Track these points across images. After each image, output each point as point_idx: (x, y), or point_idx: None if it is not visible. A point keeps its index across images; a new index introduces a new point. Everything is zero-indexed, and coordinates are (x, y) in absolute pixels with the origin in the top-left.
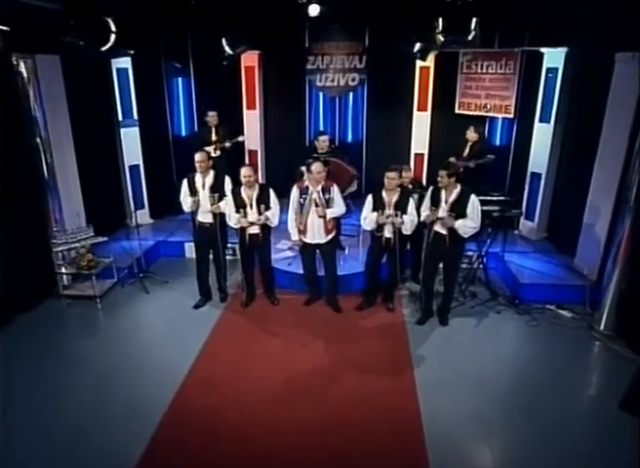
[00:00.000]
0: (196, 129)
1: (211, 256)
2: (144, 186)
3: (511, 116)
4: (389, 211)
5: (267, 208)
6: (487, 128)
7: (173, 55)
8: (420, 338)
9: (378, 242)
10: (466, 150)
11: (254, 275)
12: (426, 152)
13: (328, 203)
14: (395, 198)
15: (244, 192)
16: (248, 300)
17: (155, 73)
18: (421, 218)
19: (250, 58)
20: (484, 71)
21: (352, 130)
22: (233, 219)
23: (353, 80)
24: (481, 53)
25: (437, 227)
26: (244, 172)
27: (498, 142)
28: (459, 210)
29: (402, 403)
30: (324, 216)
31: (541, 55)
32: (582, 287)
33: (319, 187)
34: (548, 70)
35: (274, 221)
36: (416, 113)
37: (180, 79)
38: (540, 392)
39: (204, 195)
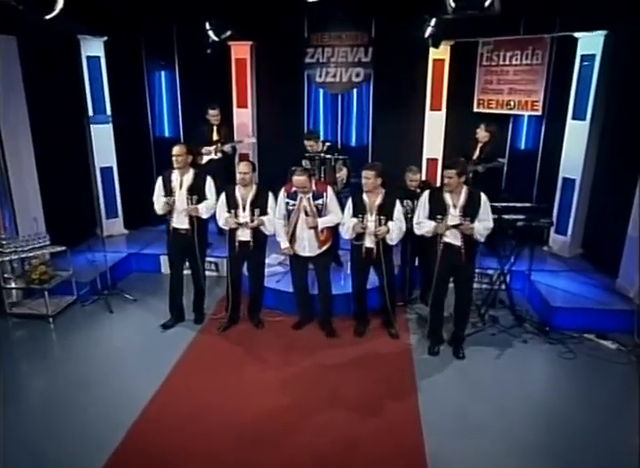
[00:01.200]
0: (181, 129)
1: (188, 272)
2: (118, 192)
3: (539, 113)
4: (371, 217)
5: (263, 213)
6: (510, 128)
7: (155, 45)
8: (428, 372)
9: (357, 252)
10: (476, 152)
11: (240, 293)
12: (440, 157)
13: (321, 211)
14: (378, 201)
15: (238, 192)
16: (229, 323)
17: (133, 64)
18: (423, 231)
19: (241, 50)
20: (507, 63)
21: (357, 132)
22: (222, 219)
23: (358, 75)
24: (504, 41)
25: (448, 238)
26: (241, 167)
27: (523, 145)
28: (471, 213)
29: (403, 453)
30: (315, 227)
31: (575, 40)
32: (629, 312)
33: (309, 194)
34: (583, 58)
35: (269, 229)
36: (428, 113)
37: (163, 73)
38: (579, 445)
39: (180, 196)
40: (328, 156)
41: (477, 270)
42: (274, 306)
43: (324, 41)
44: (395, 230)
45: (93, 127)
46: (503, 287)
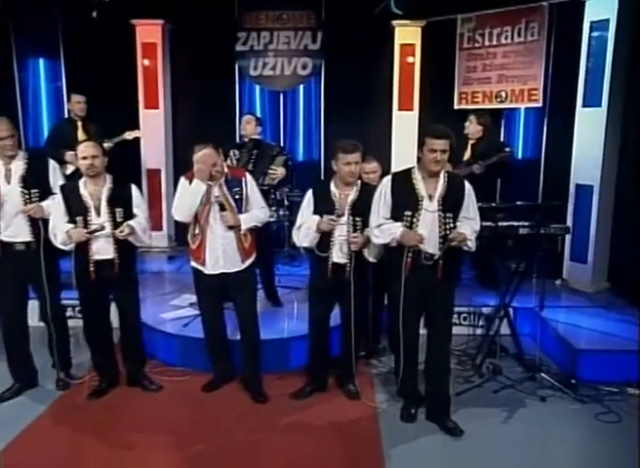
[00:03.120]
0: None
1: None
2: None
3: (539, 105)
4: (343, 215)
5: (128, 216)
6: (502, 126)
7: (29, 24)
8: (401, 445)
9: (321, 270)
10: (467, 152)
11: (111, 340)
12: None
13: (239, 204)
14: (353, 196)
15: (84, 188)
16: (103, 385)
17: None
18: (386, 239)
19: (149, 32)
20: (494, 43)
21: (304, 142)
22: (59, 235)
23: (304, 67)
24: (489, 15)
25: (422, 247)
26: (82, 148)
27: (520, 146)
28: (452, 207)
29: None
30: (235, 227)
31: (581, 4)
32: None
33: (221, 180)
34: (593, 26)
35: (143, 238)
36: (397, 114)
37: (41, 60)
38: None
39: (10, 191)
40: (266, 142)
41: (467, 309)
42: (178, 361)
43: (259, 23)
44: (374, 240)
45: None
46: (505, 328)
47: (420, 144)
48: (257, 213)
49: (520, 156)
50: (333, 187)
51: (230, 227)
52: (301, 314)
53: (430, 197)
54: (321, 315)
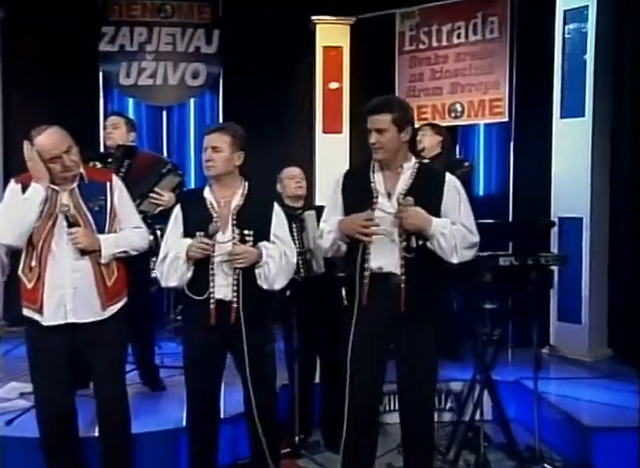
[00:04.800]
0: None
1: None
2: None
3: (504, 118)
4: (222, 233)
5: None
6: (457, 147)
7: None
8: None
9: (198, 317)
10: None
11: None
12: None
13: (100, 219)
14: (236, 200)
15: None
16: None
17: None
18: (329, 237)
19: None
20: (444, 43)
21: (196, 174)
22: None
23: (195, 76)
24: (435, 8)
25: (377, 262)
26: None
27: (481, 171)
28: (424, 206)
29: None
30: (91, 252)
31: None
32: None
33: (73, 184)
34: (567, 15)
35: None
36: (320, 136)
37: None
38: None
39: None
40: (148, 152)
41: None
42: None
43: (133, 14)
44: (276, 258)
45: None
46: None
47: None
48: (128, 235)
49: (481, 191)
50: (207, 193)
51: (83, 253)
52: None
53: (389, 194)
54: (205, 395)
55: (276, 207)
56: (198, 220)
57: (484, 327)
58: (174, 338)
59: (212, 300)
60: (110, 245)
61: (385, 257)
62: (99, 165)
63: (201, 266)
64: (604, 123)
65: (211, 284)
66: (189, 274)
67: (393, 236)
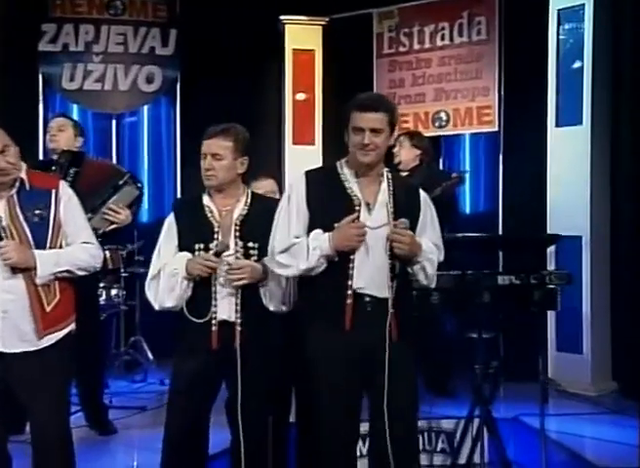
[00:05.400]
0: None
1: None
2: None
3: (494, 128)
4: (229, 244)
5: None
6: (441, 159)
7: None
8: None
9: (198, 342)
10: None
11: None
12: None
13: (39, 231)
14: (239, 209)
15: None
16: None
17: None
18: (301, 266)
19: None
20: (427, 46)
21: (150, 191)
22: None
23: (150, 81)
24: (417, 7)
25: (359, 282)
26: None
27: (467, 189)
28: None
29: None
30: (26, 270)
31: None
32: None
33: (12, 190)
34: (562, 15)
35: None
36: (290, 148)
37: None
38: None
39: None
40: (100, 160)
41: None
42: None
43: (78, 11)
44: (283, 275)
45: None
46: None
47: (345, 123)
48: (74, 251)
49: (468, 208)
50: (207, 200)
51: (15, 270)
52: (151, 441)
53: (368, 206)
54: (187, 431)
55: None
56: (197, 231)
57: (480, 357)
58: (125, 375)
59: (214, 321)
60: (48, 262)
61: (366, 277)
62: None
63: (201, 284)
64: (603, 131)
65: (213, 303)
66: (189, 292)
67: (372, 254)
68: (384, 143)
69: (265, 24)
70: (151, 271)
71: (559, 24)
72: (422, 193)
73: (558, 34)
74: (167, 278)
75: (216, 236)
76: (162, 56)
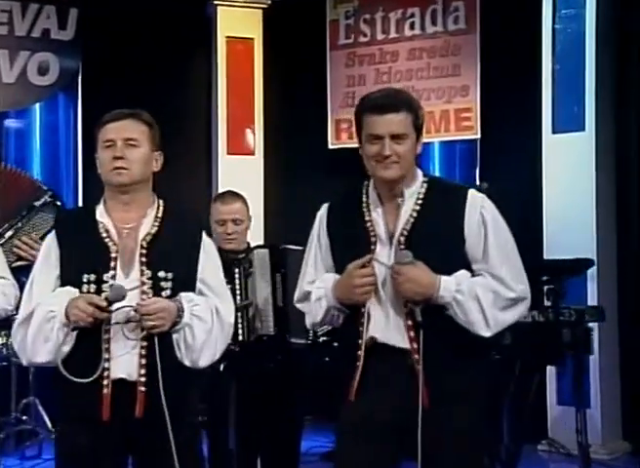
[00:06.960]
0: None
1: None
2: None
3: (476, 135)
4: (136, 274)
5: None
6: None
7: None
8: None
9: (80, 407)
10: None
11: None
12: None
13: None
14: (144, 230)
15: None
16: None
17: None
18: (320, 308)
19: None
20: (393, 35)
21: None
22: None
23: (44, 72)
24: None
25: (378, 329)
26: None
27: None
28: (428, 248)
29: None
30: None
31: None
32: None
33: None
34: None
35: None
36: (224, 159)
37: None
38: None
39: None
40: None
41: None
42: None
43: None
44: (204, 318)
45: None
46: None
47: (357, 131)
48: None
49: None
50: (101, 215)
51: None
52: None
53: (391, 237)
54: None
55: (205, 238)
56: (86, 257)
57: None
58: (18, 450)
59: (105, 382)
60: None
61: (389, 334)
62: None
63: (88, 330)
64: (609, 138)
65: (105, 356)
66: (70, 344)
67: (395, 302)
68: (410, 152)
69: (192, 7)
70: (21, 313)
71: (555, 11)
72: (479, 199)
73: (554, 22)
74: (40, 323)
75: (112, 264)
76: (59, 40)
